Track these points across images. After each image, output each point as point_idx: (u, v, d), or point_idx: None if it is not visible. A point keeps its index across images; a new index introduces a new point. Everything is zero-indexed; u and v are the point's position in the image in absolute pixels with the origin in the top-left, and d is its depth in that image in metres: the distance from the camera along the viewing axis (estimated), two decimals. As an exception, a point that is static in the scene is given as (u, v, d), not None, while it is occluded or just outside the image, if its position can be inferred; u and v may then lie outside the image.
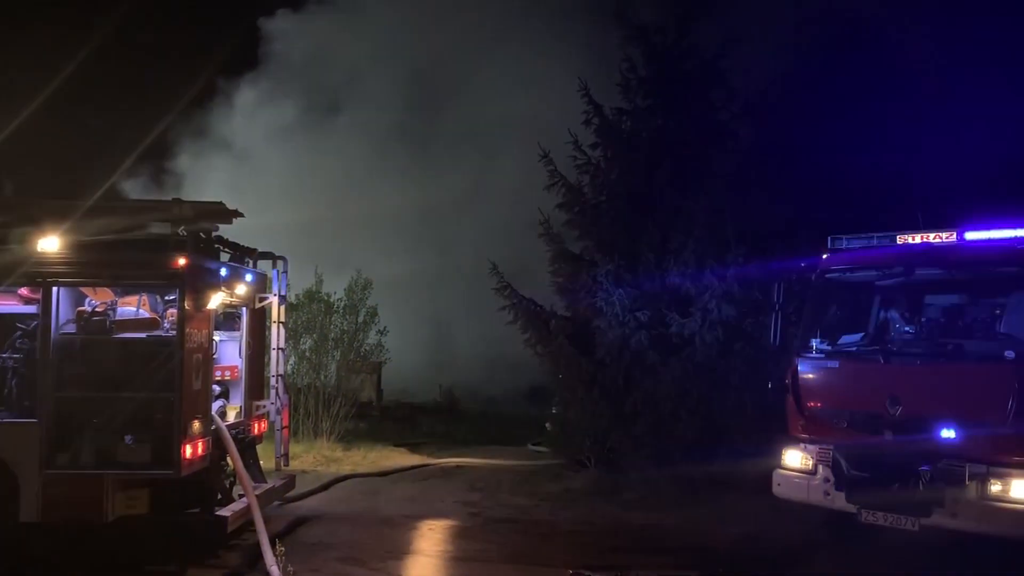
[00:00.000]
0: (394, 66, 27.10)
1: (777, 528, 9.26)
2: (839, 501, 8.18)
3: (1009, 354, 7.48)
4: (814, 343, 8.77)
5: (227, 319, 9.88)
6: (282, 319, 10.23)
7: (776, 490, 8.88)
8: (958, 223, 8.29)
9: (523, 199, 16.12)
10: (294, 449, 13.53)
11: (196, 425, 8.04)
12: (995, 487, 7.35)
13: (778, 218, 12.12)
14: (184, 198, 10.63)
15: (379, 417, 19.40)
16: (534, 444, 15.94)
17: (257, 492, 8.74)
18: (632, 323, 12.78)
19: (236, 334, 9.90)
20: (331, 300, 15.91)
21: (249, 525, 8.34)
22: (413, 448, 15.75)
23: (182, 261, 7.91)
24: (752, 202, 12.30)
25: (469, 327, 22.57)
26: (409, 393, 22.29)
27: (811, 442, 8.56)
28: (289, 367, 14.72)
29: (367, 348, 16.50)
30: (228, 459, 8.88)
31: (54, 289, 7.97)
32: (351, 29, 27.26)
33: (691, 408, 12.28)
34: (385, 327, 16.51)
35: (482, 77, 26.68)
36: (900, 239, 8.42)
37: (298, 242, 18.34)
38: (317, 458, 13.96)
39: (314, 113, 26.93)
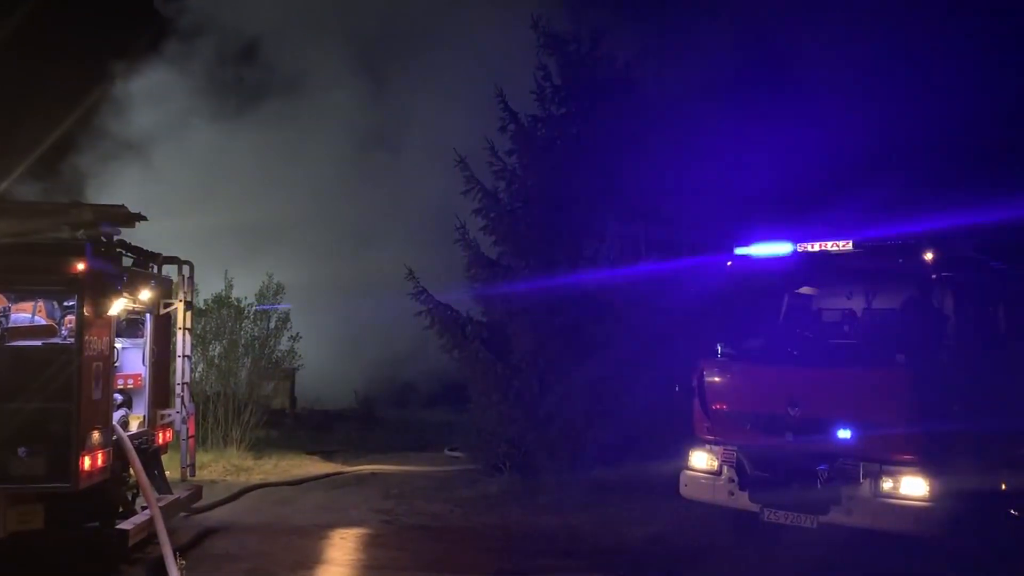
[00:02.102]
0: (307, 68, 26.68)
1: (684, 528, 9.50)
2: (743, 500, 8.44)
3: (900, 357, 7.85)
4: (719, 347, 9.02)
5: (130, 325, 9.58)
6: (188, 325, 9.98)
7: (683, 491, 9.10)
8: (856, 231, 8.65)
9: (441, 204, 16.11)
10: (203, 459, 13.20)
11: (95, 436, 7.75)
12: (887, 484, 7.70)
13: (686, 225, 12.44)
14: (85, 201, 10.29)
15: (292, 425, 19.05)
16: (451, 449, 15.92)
17: (161, 504, 8.48)
18: (547, 328, 12.92)
19: (140, 341, 9.59)
20: (241, 305, 15.57)
21: (153, 538, 8.09)
22: (327, 456, 15.51)
23: (80, 266, 7.63)
24: (662, 210, 12.61)
25: (386, 333, 22.35)
26: (323, 400, 21.94)
27: (716, 443, 8.81)
28: (197, 374, 14.37)
29: (279, 354, 16.19)
30: (131, 470, 8.60)
31: (-59, 295, 7.59)
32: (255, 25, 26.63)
33: (604, 412, 12.49)
34: (298, 333, 16.24)
35: (399, 81, 26.54)
36: (800, 247, 8.73)
37: (208, 246, 17.91)
38: (226, 467, 13.63)
39: (224, 113, 26.20)
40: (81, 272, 7.63)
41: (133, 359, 9.56)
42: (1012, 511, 8.06)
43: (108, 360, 8.15)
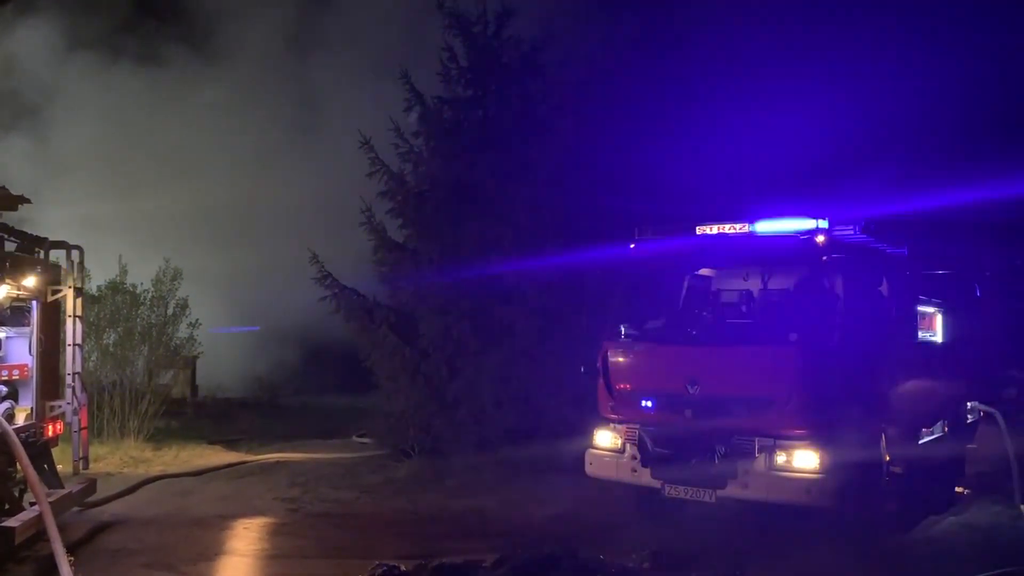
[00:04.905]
0: (214, 44, 25.78)
1: (588, 506, 9.68)
2: (645, 477, 8.64)
3: (793, 336, 8.15)
4: (623, 328, 9.19)
5: (15, 313, 9.10)
6: (79, 313, 9.54)
7: (588, 469, 9.26)
8: (752, 215, 8.92)
9: (348, 187, 15.83)
10: (99, 451, 12.72)
11: (-23, 430, 7.37)
12: (780, 459, 8.01)
13: (591, 209, 12.59)
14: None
15: (193, 414, 18.52)
16: (358, 435, 15.77)
17: (51, 499, 8.08)
18: (455, 312, 12.92)
19: (26, 330, 9.13)
20: (137, 291, 15.00)
21: (43, 535, 7.72)
22: (230, 445, 15.14)
23: (-43, 251, 7.21)
24: (568, 194, 12.73)
25: (290, 319, 21.93)
26: (226, 388, 21.39)
27: (620, 422, 8.99)
28: (91, 364, 13.82)
29: (178, 342, 15.69)
30: (17, 465, 8.21)
31: None
32: None
33: (512, 394, 12.59)
34: (197, 319, 15.77)
35: (303, 62, 25.96)
36: (699, 230, 8.94)
37: (103, 231, 17.22)
38: (124, 459, 13.14)
39: (121, 89, 24.99)
40: (-43, 257, 7.21)
41: (19, 349, 9.10)
42: (886, 477, 8.51)
43: (-10, 350, 7.75)
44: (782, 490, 7.95)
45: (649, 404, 8.77)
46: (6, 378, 8.76)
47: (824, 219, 8.44)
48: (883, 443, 8.52)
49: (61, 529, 7.63)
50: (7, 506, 8.10)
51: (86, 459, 9.79)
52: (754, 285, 9.48)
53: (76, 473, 9.61)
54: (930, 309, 10.47)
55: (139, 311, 15.06)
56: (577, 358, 10.93)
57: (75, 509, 9.34)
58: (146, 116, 24.52)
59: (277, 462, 13.54)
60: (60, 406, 9.38)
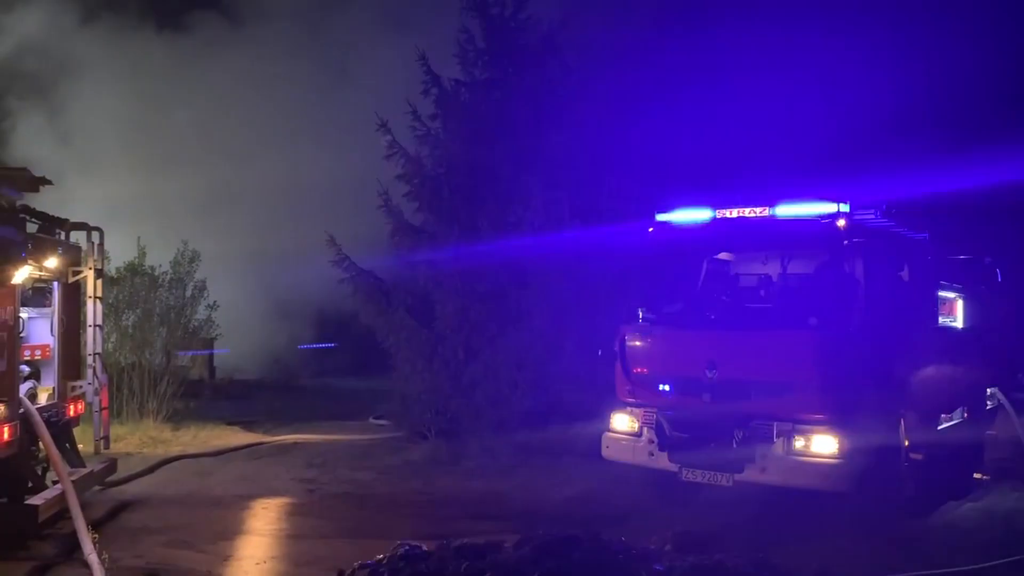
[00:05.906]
0: (225, 30, 25.72)
1: (605, 489, 9.70)
2: (662, 461, 8.64)
3: (812, 321, 8.11)
4: (640, 312, 9.16)
5: (36, 294, 9.18)
6: (99, 294, 9.62)
7: (605, 452, 9.27)
8: (772, 199, 8.84)
9: (366, 169, 15.83)
10: (119, 431, 12.85)
11: (1, 409, 7.45)
12: (799, 443, 7.99)
13: (610, 192, 12.54)
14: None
15: (211, 395, 18.65)
16: (376, 417, 15.84)
17: (73, 477, 8.21)
18: (472, 295, 12.91)
19: (47, 310, 9.21)
20: (156, 274, 15.10)
21: (65, 513, 7.83)
22: (248, 426, 15.25)
23: (-21, 232, 7.27)
24: (586, 176, 12.67)
25: (308, 301, 22.01)
26: (244, 369, 21.53)
27: (637, 406, 8.98)
28: (111, 345, 13.94)
29: (196, 324, 15.79)
30: (40, 444, 8.31)
31: None
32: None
33: (528, 377, 12.58)
34: (215, 302, 15.85)
35: (320, 44, 25.86)
36: (719, 214, 8.89)
37: (123, 213, 17.31)
38: (143, 439, 13.28)
39: (138, 72, 24.99)
40: (-20, 238, 7.27)
41: (40, 329, 9.19)
42: (905, 463, 8.47)
43: (12, 330, 7.80)
44: (801, 475, 7.93)
45: (667, 388, 8.76)
46: (28, 358, 8.84)
47: (845, 203, 8.37)
48: (902, 428, 8.48)
49: (83, 507, 7.75)
50: (30, 484, 8.20)
51: (107, 439, 9.92)
52: (773, 269, 9.42)
53: (97, 452, 9.73)
54: (951, 294, 10.39)
55: (157, 293, 15.16)
56: (594, 341, 10.93)
57: (96, 488, 9.47)
58: (166, 91, 24.48)
59: (295, 443, 13.64)
60: (81, 386, 9.49)
